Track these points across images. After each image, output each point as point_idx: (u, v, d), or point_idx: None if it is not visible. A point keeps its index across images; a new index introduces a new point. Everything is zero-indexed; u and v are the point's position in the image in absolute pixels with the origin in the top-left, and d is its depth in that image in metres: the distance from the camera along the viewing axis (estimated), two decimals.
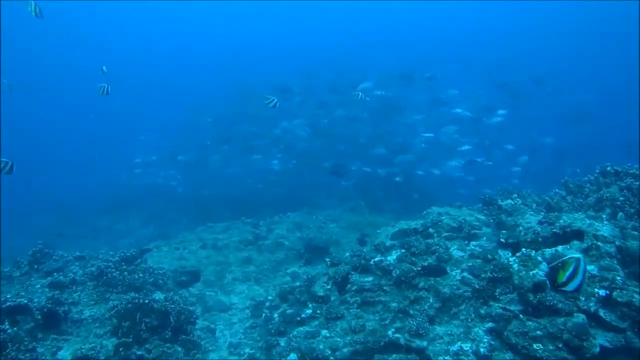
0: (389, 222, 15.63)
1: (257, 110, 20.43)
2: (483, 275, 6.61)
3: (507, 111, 19.26)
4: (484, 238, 8.47)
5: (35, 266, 9.34)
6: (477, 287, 6.51)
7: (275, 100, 9.38)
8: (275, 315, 7.81)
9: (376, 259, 7.59)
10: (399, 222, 11.58)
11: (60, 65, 44.44)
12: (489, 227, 8.94)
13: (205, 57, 44.87)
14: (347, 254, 8.37)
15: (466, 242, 8.27)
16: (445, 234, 8.79)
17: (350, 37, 37.93)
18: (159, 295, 8.93)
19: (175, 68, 44.53)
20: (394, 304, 6.77)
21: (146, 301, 6.84)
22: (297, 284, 8.57)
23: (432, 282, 6.88)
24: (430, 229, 9.13)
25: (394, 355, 5.92)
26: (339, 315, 6.82)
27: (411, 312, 6.56)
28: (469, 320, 6.29)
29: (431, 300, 6.66)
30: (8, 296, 6.87)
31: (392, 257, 7.59)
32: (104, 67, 10.86)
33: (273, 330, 7.12)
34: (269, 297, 9.24)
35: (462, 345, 5.83)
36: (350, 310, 6.90)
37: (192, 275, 10.91)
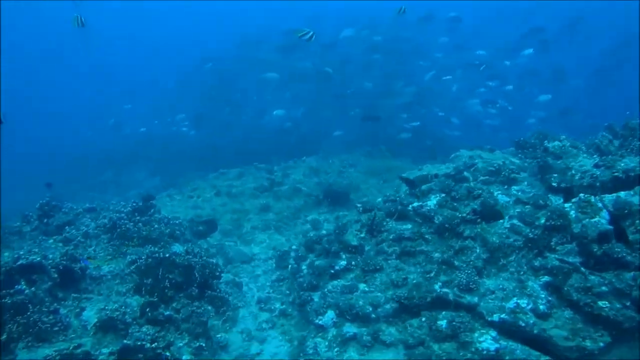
0: (408, 166, 15.07)
1: (261, 57, 19.37)
2: (536, 223, 6.05)
3: (533, 51, 18.10)
4: (525, 183, 7.82)
5: (45, 220, 8.84)
6: (530, 236, 5.95)
7: (311, 33, 8.33)
8: (304, 267, 7.36)
9: (414, 205, 7.00)
10: (424, 165, 10.97)
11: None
12: (526, 172, 8.31)
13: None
14: (380, 199, 7.80)
15: (506, 186, 7.66)
16: (482, 177, 8.15)
17: None
18: (178, 248, 8.48)
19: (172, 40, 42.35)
20: (436, 255, 6.26)
21: (167, 255, 6.34)
22: (324, 232, 8.08)
23: (479, 230, 6.33)
24: (465, 173, 8.51)
25: (443, 313, 5.47)
26: (377, 267, 6.33)
27: (456, 263, 6.06)
28: (521, 273, 5.79)
29: (478, 251, 6.14)
30: (21, 253, 6.37)
31: (431, 202, 6.99)
32: None
33: (305, 284, 6.66)
34: (293, 247, 8.78)
35: (519, 301, 5.36)
36: (389, 262, 6.40)
37: (208, 224, 10.42)
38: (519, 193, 7.21)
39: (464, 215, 6.51)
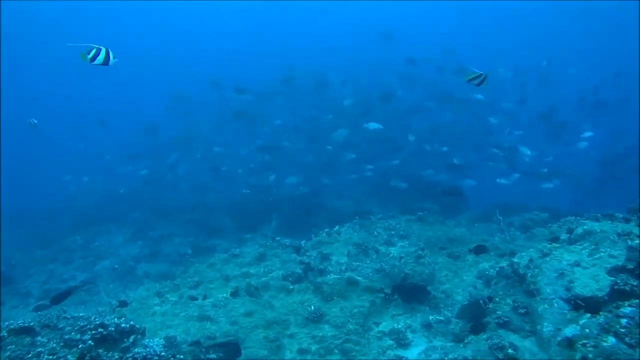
0: (467, 233, 11.40)
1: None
2: None
3: None
4: None
5: None
6: None
7: (484, 75, 6.24)
8: None
9: None
10: (545, 247, 7.30)
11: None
12: None
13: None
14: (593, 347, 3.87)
15: None
16: None
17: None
18: None
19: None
20: None
21: None
22: None
23: None
24: None
25: None
26: None
27: None
28: None
29: None
30: None
31: None
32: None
33: None
34: None
35: None
36: None
37: (226, 349, 6.23)
38: None
39: None
